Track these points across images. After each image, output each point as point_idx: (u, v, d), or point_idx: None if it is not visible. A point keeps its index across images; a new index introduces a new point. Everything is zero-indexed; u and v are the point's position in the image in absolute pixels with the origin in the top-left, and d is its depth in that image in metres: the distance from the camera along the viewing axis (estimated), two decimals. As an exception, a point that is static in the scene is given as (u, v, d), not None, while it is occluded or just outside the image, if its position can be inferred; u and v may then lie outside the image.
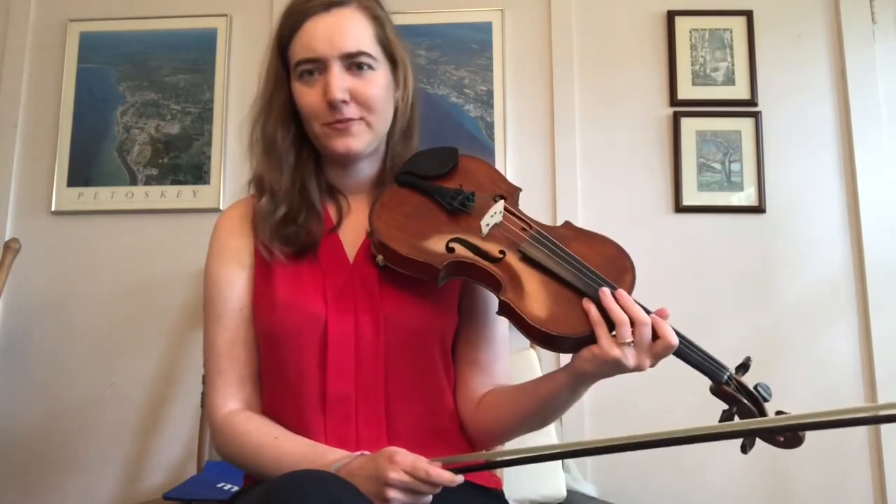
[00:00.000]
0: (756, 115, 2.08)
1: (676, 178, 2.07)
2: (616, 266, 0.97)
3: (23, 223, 2.14)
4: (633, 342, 0.89)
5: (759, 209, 2.04)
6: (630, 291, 0.94)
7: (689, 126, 2.09)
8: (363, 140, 1.04)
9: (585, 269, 0.95)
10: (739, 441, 0.90)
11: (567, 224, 1.05)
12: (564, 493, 1.69)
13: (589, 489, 1.81)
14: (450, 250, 0.99)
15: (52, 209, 2.13)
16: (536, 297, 0.94)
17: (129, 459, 2.03)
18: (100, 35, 2.22)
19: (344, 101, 1.01)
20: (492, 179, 1.09)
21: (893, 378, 1.95)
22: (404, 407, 1.02)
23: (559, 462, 1.73)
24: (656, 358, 0.90)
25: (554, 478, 1.70)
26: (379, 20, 1.07)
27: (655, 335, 0.89)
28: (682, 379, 1.95)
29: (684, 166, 2.07)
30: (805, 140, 2.09)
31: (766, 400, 0.93)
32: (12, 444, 2.04)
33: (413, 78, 1.12)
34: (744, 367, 0.96)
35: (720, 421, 0.92)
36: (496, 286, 0.96)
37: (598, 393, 2.00)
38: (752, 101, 2.10)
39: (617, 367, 0.89)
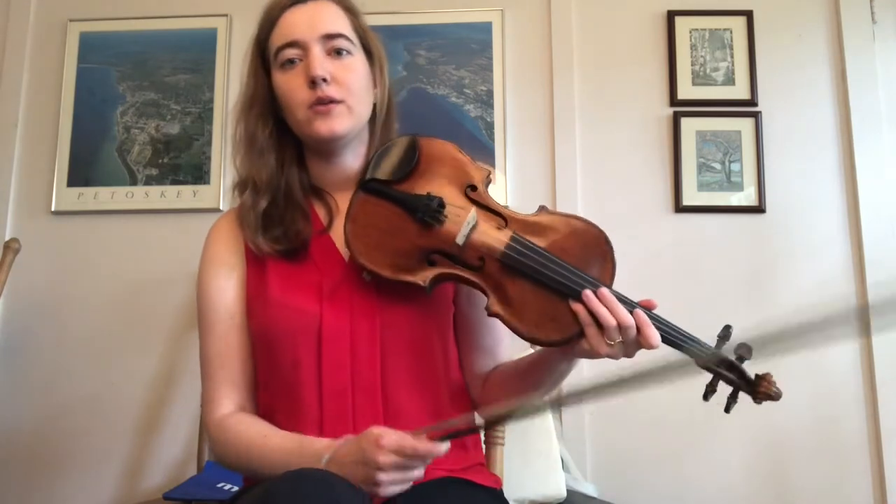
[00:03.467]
0: (756, 115, 2.08)
1: (676, 178, 2.07)
2: (595, 253, 0.98)
3: (23, 223, 2.14)
4: (621, 341, 0.92)
5: (759, 209, 2.04)
6: (612, 278, 0.97)
7: (689, 126, 2.09)
8: (346, 123, 1.04)
9: (566, 269, 0.95)
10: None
11: (542, 209, 1.04)
12: (564, 493, 1.69)
13: (589, 489, 1.81)
14: (431, 264, 1.00)
15: (52, 209, 2.13)
16: (522, 305, 0.96)
17: (129, 459, 2.03)
18: (100, 35, 2.21)
19: (325, 80, 1.01)
20: (458, 168, 1.05)
21: (893, 378, 1.95)
22: (402, 402, 1.02)
23: (559, 462, 1.73)
24: (636, 352, 0.94)
25: (554, 478, 1.70)
26: (353, 12, 1.10)
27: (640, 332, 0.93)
28: (683, 381, 1.95)
29: (684, 166, 2.07)
30: (805, 140, 2.09)
31: (743, 360, 0.94)
32: (12, 444, 2.04)
33: (388, 73, 1.14)
34: (724, 338, 0.96)
35: (704, 395, 0.95)
36: (482, 292, 0.99)
37: (598, 393, 2.01)
38: (752, 101, 2.10)
39: (607, 358, 0.94)
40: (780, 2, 2.15)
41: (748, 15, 2.13)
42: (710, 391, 0.95)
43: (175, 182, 2.13)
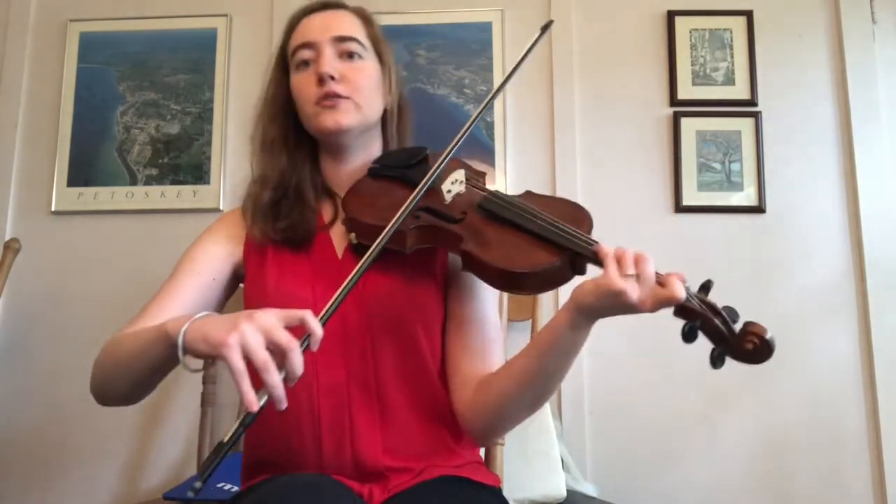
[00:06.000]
0: (756, 115, 2.08)
1: (676, 178, 2.07)
2: (573, 218, 0.98)
3: (23, 223, 2.14)
4: (637, 275, 0.87)
5: (759, 209, 2.04)
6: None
7: (689, 126, 2.09)
8: (351, 117, 1.09)
9: (543, 215, 0.98)
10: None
11: (527, 192, 1.09)
12: (564, 493, 1.69)
13: (589, 489, 1.81)
14: (415, 217, 1.03)
15: (52, 209, 2.13)
16: (497, 244, 0.97)
17: (129, 459, 2.03)
18: (100, 35, 2.22)
19: (332, 77, 1.07)
20: (457, 162, 1.13)
21: (893, 378, 1.94)
22: (396, 392, 1.04)
23: (559, 462, 1.73)
24: (657, 304, 0.86)
25: (554, 478, 1.70)
26: (369, 20, 1.17)
27: (661, 283, 0.86)
28: (682, 381, 1.95)
29: (684, 166, 2.07)
30: (805, 140, 2.09)
31: (734, 320, 0.89)
32: (12, 444, 2.05)
33: (399, 83, 1.19)
34: (705, 288, 0.91)
35: (682, 338, 0.87)
36: (458, 242, 0.99)
37: (599, 393, 2.01)
38: (752, 101, 2.10)
39: (617, 301, 0.86)
40: (780, 2, 2.15)
41: (748, 15, 2.13)
42: (688, 334, 0.87)
43: (175, 182, 2.14)
